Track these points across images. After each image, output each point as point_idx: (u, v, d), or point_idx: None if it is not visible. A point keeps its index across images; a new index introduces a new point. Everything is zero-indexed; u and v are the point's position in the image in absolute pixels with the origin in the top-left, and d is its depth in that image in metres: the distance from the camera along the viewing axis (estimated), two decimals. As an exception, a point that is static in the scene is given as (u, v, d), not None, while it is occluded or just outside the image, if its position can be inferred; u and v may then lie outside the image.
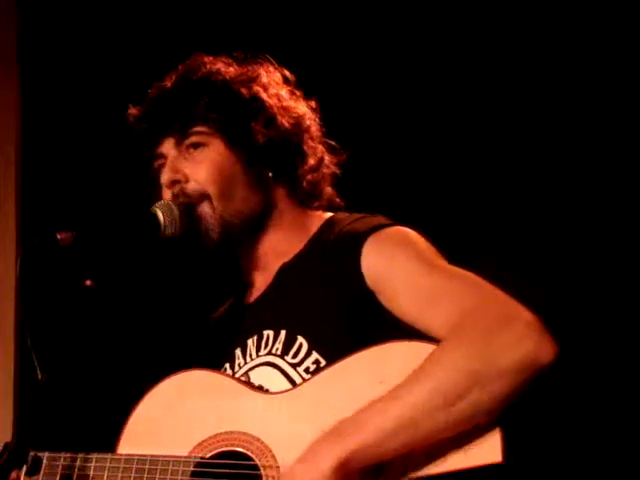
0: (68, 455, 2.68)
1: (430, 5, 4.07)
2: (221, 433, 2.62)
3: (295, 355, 2.67)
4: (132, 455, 2.64)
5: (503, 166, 3.96)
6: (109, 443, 2.71)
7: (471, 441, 2.44)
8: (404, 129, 4.08)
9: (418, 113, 4.06)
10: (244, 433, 2.59)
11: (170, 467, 2.60)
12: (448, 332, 2.47)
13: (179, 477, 2.59)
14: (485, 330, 2.44)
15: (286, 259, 2.82)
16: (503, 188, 3.96)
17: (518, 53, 3.94)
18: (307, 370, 2.65)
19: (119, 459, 2.65)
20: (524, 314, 2.45)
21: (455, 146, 4.03)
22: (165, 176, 2.81)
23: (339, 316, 2.64)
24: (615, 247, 3.82)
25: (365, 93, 4.10)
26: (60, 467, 2.67)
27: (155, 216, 2.73)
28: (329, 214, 2.88)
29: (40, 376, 2.50)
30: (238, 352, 2.80)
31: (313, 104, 2.92)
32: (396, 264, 2.61)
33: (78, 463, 2.67)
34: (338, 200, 2.93)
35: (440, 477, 2.44)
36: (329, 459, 2.41)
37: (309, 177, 2.87)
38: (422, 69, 4.07)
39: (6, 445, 2.51)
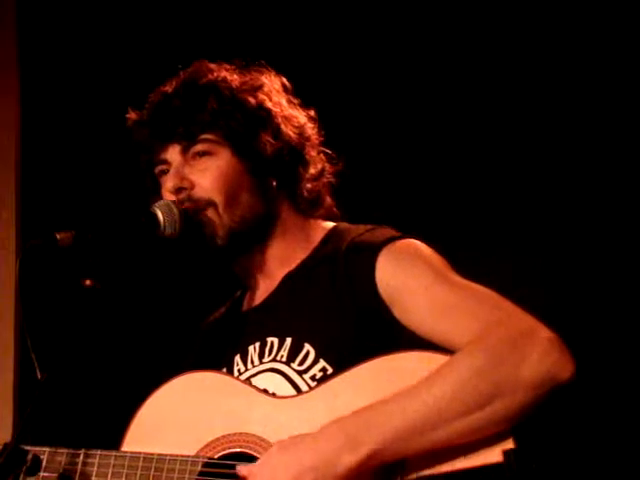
0: (70, 451, 2.66)
1: (427, 15, 4.07)
2: (230, 434, 2.60)
3: (302, 362, 2.67)
4: (138, 453, 2.63)
5: (503, 173, 3.96)
6: (108, 444, 2.70)
7: (472, 441, 2.44)
8: (402, 138, 4.08)
9: (416, 121, 4.06)
10: (253, 435, 2.59)
11: (177, 466, 2.59)
12: (471, 340, 2.46)
13: (186, 476, 2.58)
14: (510, 342, 2.44)
15: (290, 267, 2.82)
16: (504, 196, 3.96)
17: (517, 62, 3.95)
18: (314, 377, 2.64)
19: (124, 456, 2.63)
20: (545, 330, 2.47)
21: (453, 155, 4.03)
22: (170, 183, 2.80)
23: (348, 325, 2.63)
24: (621, 256, 3.82)
25: (361, 102, 4.11)
26: (62, 463, 2.65)
27: (154, 216, 2.73)
28: (331, 224, 2.88)
29: (40, 376, 2.50)
30: (237, 358, 2.79)
31: (312, 113, 2.92)
32: (411, 277, 2.61)
33: (81, 459, 2.64)
34: (336, 209, 2.93)
35: (440, 477, 2.44)
36: (346, 463, 2.42)
37: (310, 186, 2.88)
38: (420, 77, 4.07)
39: (5, 445, 2.51)
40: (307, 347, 2.67)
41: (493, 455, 2.42)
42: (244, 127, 2.78)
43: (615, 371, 3.76)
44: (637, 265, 3.80)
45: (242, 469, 2.53)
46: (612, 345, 3.77)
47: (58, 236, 2.58)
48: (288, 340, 2.71)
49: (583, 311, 3.81)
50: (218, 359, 2.82)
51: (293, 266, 2.82)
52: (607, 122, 3.85)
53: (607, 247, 3.83)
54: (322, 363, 2.64)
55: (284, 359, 2.69)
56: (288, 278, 2.81)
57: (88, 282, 2.56)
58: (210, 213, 2.77)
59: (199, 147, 2.79)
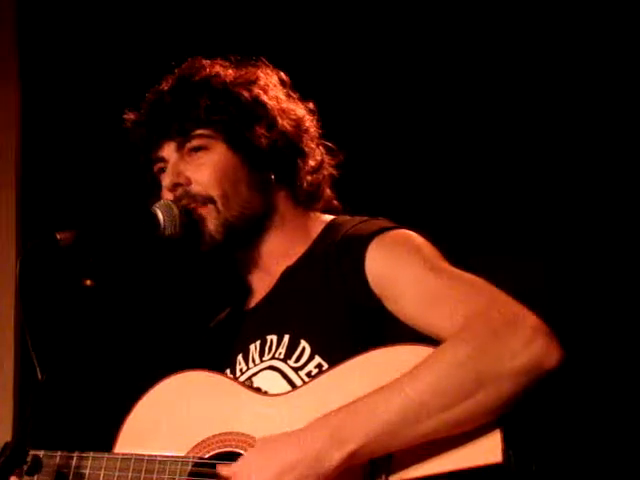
0: (64, 454, 2.67)
1: (427, 5, 4.06)
2: (220, 434, 2.61)
3: (298, 359, 2.67)
4: (129, 454, 2.64)
5: (502, 166, 3.96)
6: (107, 443, 2.70)
7: (470, 441, 2.43)
8: (401, 130, 4.08)
9: (415, 113, 4.06)
10: (243, 434, 2.59)
11: (168, 467, 2.60)
12: (454, 332, 2.46)
13: (177, 477, 2.59)
14: (493, 331, 2.43)
15: (289, 262, 2.82)
16: (503, 188, 3.96)
17: (518, 56, 3.94)
18: (309, 374, 2.64)
19: (116, 458, 2.64)
20: (531, 317, 2.45)
21: (452, 147, 4.03)
22: (167, 179, 2.81)
23: (343, 320, 2.63)
24: (617, 249, 3.82)
25: (361, 94, 4.11)
26: (56, 466, 2.66)
27: (154, 216, 2.73)
28: (330, 217, 2.88)
29: (40, 376, 2.50)
30: (240, 357, 2.79)
31: (311, 105, 2.92)
32: (401, 267, 2.60)
33: (74, 462, 2.66)
34: (336, 202, 2.93)
35: (440, 477, 2.44)
36: (331, 460, 2.41)
37: (309, 178, 2.87)
38: (419, 70, 4.07)
39: (6, 445, 2.51)
40: (303, 344, 2.67)
41: (492, 455, 2.41)
42: (238, 121, 2.79)
43: (615, 371, 3.76)
44: (637, 263, 3.80)
45: (222, 469, 2.53)
46: (613, 345, 3.77)
47: (58, 236, 2.58)
48: (286, 337, 2.71)
49: (583, 309, 3.81)
50: (221, 359, 2.82)
51: (292, 261, 2.82)
52: (607, 123, 3.86)
53: (607, 246, 3.83)
54: (317, 359, 2.64)
55: (282, 356, 2.70)
56: (286, 273, 2.82)
57: (88, 282, 2.56)
58: (209, 209, 2.78)
59: (194, 142, 2.80)
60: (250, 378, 2.73)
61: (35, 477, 2.65)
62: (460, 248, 2.73)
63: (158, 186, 2.87)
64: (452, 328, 2.47)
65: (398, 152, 4.08)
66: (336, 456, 2.41)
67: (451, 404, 2.40)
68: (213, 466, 2.58)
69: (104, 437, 2.73)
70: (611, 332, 3.78)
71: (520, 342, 2.41)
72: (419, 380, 2.42)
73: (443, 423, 2.41)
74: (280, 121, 2.83)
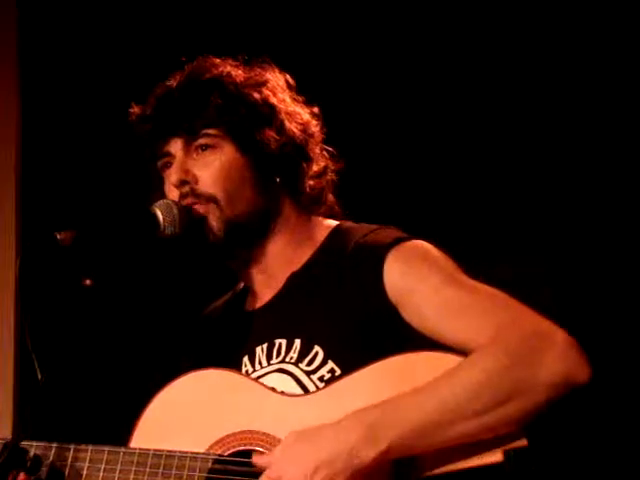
0: (79, 447, 2.64)
1: (430, 13, 4.07)
2: (241, 432, 2.60)
3: (310, 363, 2.66)
4: (147, 450, 2.61)
5: (506, 173, 3.96)
6: (115, 442, 2.69)
7: (484, 440, 2.45)
8: (404, 136, 4.08)
9: (419, 121, 4.06)
10: (264, 433, 2.58)
11: (187, 463, 2.58)
12: (487, 341, 2.47)
13: (196, 473, 2.57)
14: (527, 343, 2.45)
15: (293, 266, 2.81)
16: (508, 195, 3.97)
17: (517, 62, 3.95)
18: (322, 378, 2.64)
19: (133, 453, 2.62)
20: (561, 332, 2.48)
21: (456, 153, 4.03)
22: (174, 176, 2.79)
23: (357, 327, 2.63)
24: (618, 251, 3.82)
25: (364, 100, 4.11)
26: (69, 459, 2.63)
27: (154, 216, 2.73)
28: (335, 222, 2.87)
29: (40, 376, 2.50)
30: (245, 359, 2.78)
31: (316, 110, 2.92)
32: (421, 278, 2.61)
33: (89, 455, 2.63)
34: (337, 208, 2.93)
35: (440, 477, 2.44)
36: (365, 457, 2.43)
37: (313, 183, 2.87)
38: (423, 76, 4.07)
39: (5, 444, 2.51)
40: (316, 348, 2.67)
41: (492, 455, 2.43)
42: (248, 122, 2.78)
43: (616, 373, 3.76)
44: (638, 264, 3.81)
45: (259, 460, 2.53)
46: (614, 347, 3.77)
47: (58, 236, 2.58)
48: (297, 341, 2.70)
49: (583, 312, 3.81)
50: (224, 359, 2.80)
51: (297, 265, 2.81)
52: (607, 124, 3.86)
53: (611, 247, 3.83)
54: (331, 364, 2.64)
55: (293, 360, 2.69)
56: (293, 278, 2.80)
57: (88, 282, 2.56)
58: (211, 207, 2.76)
59: (202, 141, 2.79)
60: (257, 380, 2.71)
61: (37, 476, 2.63)
62: (460, 253, 2.72)
63: (159, 184, 2.87)
64: (482, 338, 2.48)
65: (399, 158, 4.08)
66: (370, 454, 2.43)
67: (485, 410, 2.42)
68: (233, 463, 2.57)
69: (110, 436, 2.72)
70: (611, 334, 3.78)
71: (554, 356, 2.43)
72: (455, 384, 2.44)
73: (474, 428, 2.43)
74: (288, 125, 2.82)
